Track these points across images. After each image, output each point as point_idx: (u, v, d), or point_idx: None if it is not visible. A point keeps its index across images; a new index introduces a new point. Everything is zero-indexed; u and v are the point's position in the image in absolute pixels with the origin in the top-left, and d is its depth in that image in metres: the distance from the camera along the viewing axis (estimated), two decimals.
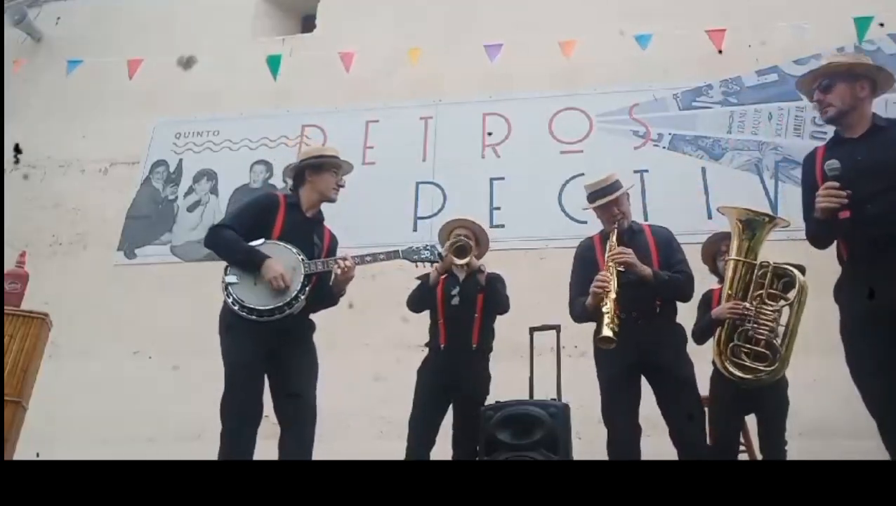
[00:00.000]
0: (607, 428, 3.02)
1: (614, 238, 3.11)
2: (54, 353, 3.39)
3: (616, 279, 2.97)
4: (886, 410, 2.29)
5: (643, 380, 3.09)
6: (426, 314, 3.56)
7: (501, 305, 3.55)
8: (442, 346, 3.45)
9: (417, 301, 3.54)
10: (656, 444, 3.00)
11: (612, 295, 2.92)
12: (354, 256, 3.06)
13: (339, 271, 3.05)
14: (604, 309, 2.90)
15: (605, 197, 3.18)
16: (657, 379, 3.04)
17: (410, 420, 3.39)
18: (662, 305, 3.09)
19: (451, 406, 3.43)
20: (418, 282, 3.55)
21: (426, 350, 3.55)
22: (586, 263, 3.22)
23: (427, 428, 3.36)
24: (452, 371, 3.39)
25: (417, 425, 3.37)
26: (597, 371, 3.13)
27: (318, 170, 3.17)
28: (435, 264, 3.36)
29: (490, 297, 3.51)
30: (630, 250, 3.04)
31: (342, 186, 3.24)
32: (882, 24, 5.17)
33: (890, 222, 2.27)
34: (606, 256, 3.06)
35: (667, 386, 3.01)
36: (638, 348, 2.99)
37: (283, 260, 2.95)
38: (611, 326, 2.85)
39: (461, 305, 3.49)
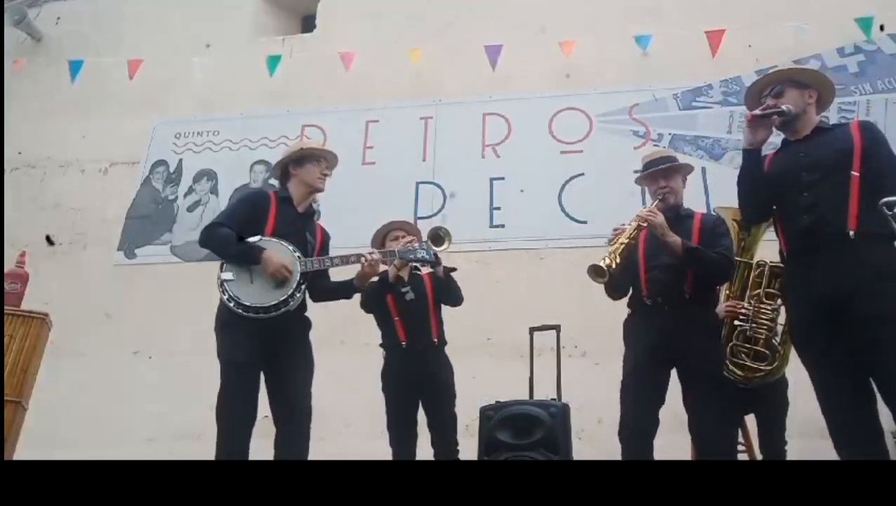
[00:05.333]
0: (621, 414, 2.91)
1: (654, 203, 2.99)
2: (54, 353, 3.39)
3: (635, 232, 2.86)
4: (835, 414, 2.34)
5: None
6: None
7: (458, 298, 3.55)
8: (403, 344, 3.45)
9: (377, 300, 3.46)
10: (661, 442, 2.98)
11: (623, 240, 2.82)
12: (351, 254, 3.07)
13: (366, 264, 3.03)
14: (610, 248, 2.81)
15: (655, 167, 3.09)
16: (683, 371, 2.90)
17: (389, 426, 3.41)
18: (693, 292, 2.92)
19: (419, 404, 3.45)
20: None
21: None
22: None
23: (408, 429, 3.39)
24: (419, 369, 3.42)
25: (399, 429, 3.39)
26: (623, 359, 3.03)
27: (301, 162, 3.17)
28: (395, 262, 3.33)
29: (441, 288, 3.51)
30: (660, 214, 2.90)
31: (328, 175, 3.22)
32: (882, 28, 5.16)
33: (823, 209, 2.38)
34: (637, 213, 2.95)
35: (691, 378, 2.87)
36: (661, 336, 2.87)
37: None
38: (610, 257, 2.76)
39: (415, 300, 3.49)
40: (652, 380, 2.89)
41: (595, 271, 2.76)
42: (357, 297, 3.31)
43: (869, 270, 2.24)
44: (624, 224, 2.91)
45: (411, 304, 3.49)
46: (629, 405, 2.89)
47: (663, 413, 2.91)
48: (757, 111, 2.58)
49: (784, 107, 2.56)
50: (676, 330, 2.86)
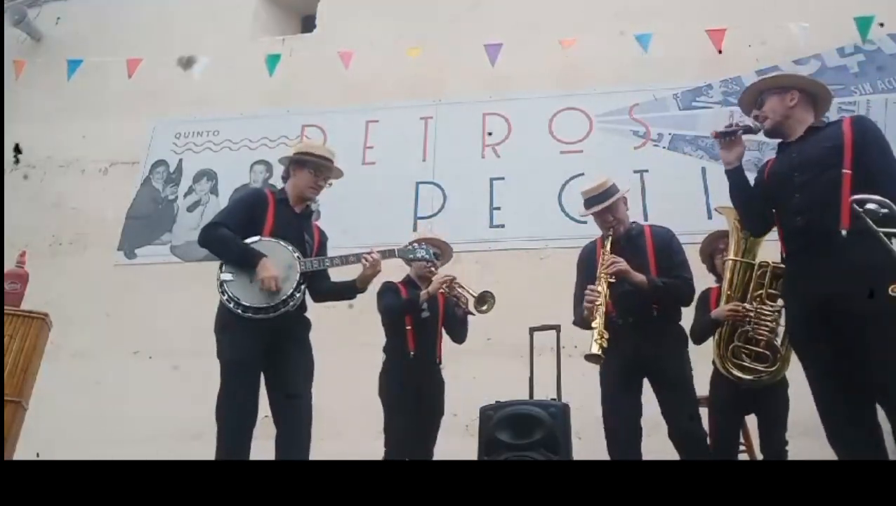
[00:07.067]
0: (605, 430, 3.03)
1: (608, 246, 3.08)
2: (54, 353, 3.38)
3: (607, 291, 2.94)
4: (831, 415, 2.36)
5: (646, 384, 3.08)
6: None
7: (463, 338, 3.72)
8: (412, 353, 3.50)
9: (399, 316, 3.54)
10: (656, 444, 3.00)
11: (602, 309, 2.89)
12: (350, 254, 3.07)
13: (367, 265, 3.04)
14: (593, 325, 2.86)
15: (599, 204, 3.14)
16: (656, 382, 3.03)
17: (389, 429, 3.43)
18: (660, 309, 3.05)
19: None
20: (392, 291, 3.59)
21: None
22: (588, 267, 3.19)
23: (405, 435, 3.43)
24: (420, 381, 3.49)
25: (395, 433, 3.43)
26: (599, 375, 3.13)
27: (301, 166, 3.16)
28: (428, 288, 3.48)
29: (452, 322, 3.67)
30: (621, 260, 3.00)
31: (323, 187, 3.21)
32: (882, 24, 5.16)
33: (815, 210, 2.38)
34: (599, 267, 3.03)
35: (664, 387, 3.00)
36: (633, 352, 2.98)
37: (279, 259, 2.95)
38: (599, 341, 2.81)
39: (430, 317, 3.58)
40: (629, 393, 3.02)
41: (591, 360, 2.83)
42: (360, 297, 3.31)
43: (861, 271, 2.22)
44: (593, 287, 2.97)
45: (426, 320, 3.57)
46: (611, 425, 3.01)
47: (656, 417, 2.99)
48: (719, 129, 2.67)
49: (751, 123, 2.62)
50: (648, 345, 2.98)
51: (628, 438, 2.97)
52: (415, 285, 3.63)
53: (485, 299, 3.59)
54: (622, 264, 2.98)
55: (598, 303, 2.90)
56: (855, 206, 1.98)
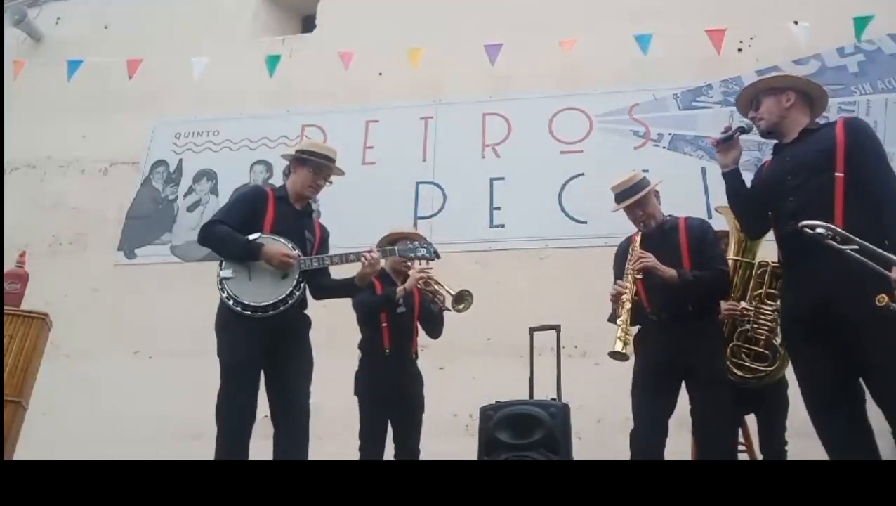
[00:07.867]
0: (632, 428, 2.96)
1: (637, 242, 3.00)
2: (54, 353, 3.39)
3: (634, 287, 2.87)
4: (818, 416, 2.37)
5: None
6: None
7: (438, 333, 3.70)
8: (387, 351, 3.49)
9: (374, 313, 3.52)
10: (676, 445, 2.97)
11: (627, 305, 2.82)
12: (350, 252, 3.07)
13: (366, 264, 3.04)
14: (618, 322, 2.81)
15: (628, 199, 3.04)
16: (689, 379, 2.93)
17: (361, 435, 3.42)
18: (694, 304, 2.94)
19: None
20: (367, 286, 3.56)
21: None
22: (622, 263, 3.08)
23: (381, 435, 3.44)
24: (395, 379, 3.47)
25: (371, 432, 3.42)
26: (633, 371, 3.07)
27: (302, 164, 3.15)
28: (405, 284, 3.47)
29: (428, 317, 3.65)
30: (649, 255, 2.91)
31: (322, 187, 3.20)
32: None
33: (808, 213, 2.32)
34: (627, 262, 2.96)
35: (696, 385, 2.91)
36: (666, 350, 2.90)
37: None
38: (622, 338, 2.75)
39: (405, 313, 3.56)
40: (659, 392, 2.92)
41: (615, 357, 2.78)
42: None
43: (853, 277, 2.18)
44: (620, 283, 2.91)
45: (402, 316, 3.55)
46: (637, 419, 2.93)
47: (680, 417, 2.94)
48: (717, 136, 2.68)
49: (744, 124, 2.64)
50: (684, 343, 2.89)
51: (650, 437, 2.89)
52: (390, 281, 3.60)
53: (462, 298, 3.57)
54: (649, 260, 2.90)
55: (623, 299, 2.85)
56: (806, 229, 2.02)
